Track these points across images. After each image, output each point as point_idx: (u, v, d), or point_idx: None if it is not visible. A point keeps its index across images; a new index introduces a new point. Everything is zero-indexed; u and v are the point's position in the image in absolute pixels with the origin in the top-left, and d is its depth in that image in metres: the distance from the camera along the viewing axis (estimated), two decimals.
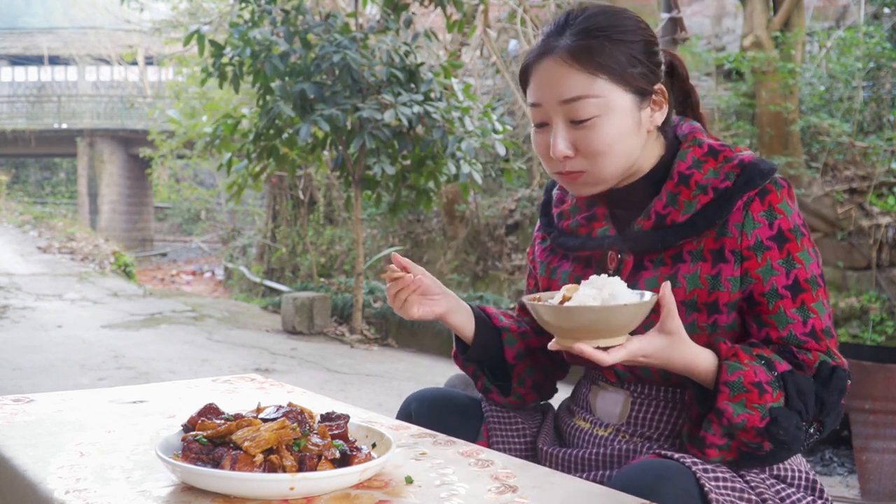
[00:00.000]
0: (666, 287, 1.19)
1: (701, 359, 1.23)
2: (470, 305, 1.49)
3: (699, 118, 1.45)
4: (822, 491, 1.33)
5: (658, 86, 1.34)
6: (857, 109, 7.16)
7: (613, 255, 1.38)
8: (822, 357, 1.26)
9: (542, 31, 1.38)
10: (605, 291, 1.19)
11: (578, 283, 1.41)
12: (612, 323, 1.16)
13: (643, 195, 1.37)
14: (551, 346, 1.22)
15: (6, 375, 5.23)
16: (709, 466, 1.22)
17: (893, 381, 3.47)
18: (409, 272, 1.37)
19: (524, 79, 1.38)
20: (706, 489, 1.18)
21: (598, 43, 1.30)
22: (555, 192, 1.54)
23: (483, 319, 1.49)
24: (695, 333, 1.29)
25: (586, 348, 1.16)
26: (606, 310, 1.15)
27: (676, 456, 1.23)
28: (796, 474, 1.33)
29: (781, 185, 1.30)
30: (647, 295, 1.20)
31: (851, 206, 6.71)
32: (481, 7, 7.79)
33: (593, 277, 1.22)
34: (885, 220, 6.53)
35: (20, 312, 7.94)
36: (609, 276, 1.36)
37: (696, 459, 1.23)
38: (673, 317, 1.20)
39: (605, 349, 1.17)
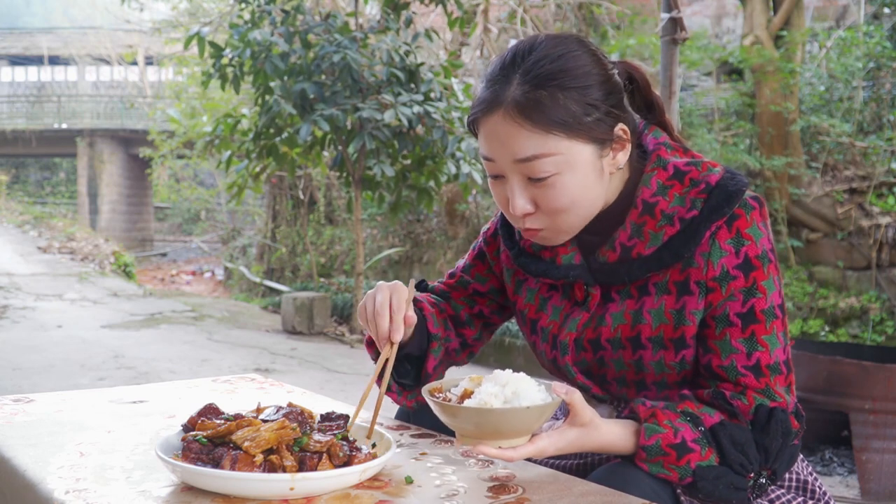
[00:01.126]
0: (571, 391, 1.15)
1: (621, 436, 1.19)
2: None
3: (664, 125, 1.36)
4: (814, 491, 1.32)
5: (619, 127, 1.24)
6: (857, 109, 7.16)
7: (580, 286, 1.32)
8: (759, 401, 1.20)
9: (485, 74, 1.27)
10: (507, 389, 1.13)
11: (544, 305, 1.37)
12: (514, 425, 1.11)
13: (609, 221, 1.30)
14: (455, 444, 1.18)
15: (6, 375, 5.23)
16: None
17: (893, 381, 3.47)
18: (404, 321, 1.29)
19: (472, 128, 1.28)
20: (678, 491, 1.19)
21: (548, 95, 1.19)
22: None
23: (420, 323, 1.40)
24: (663, 372, 1.27)
25: (490, 450, 1.11)
26: (508, 412, 1.10)
27: None
28: (786, 475, 1.32)
29: (752, 206, 1.23)
30: (552, 396, 1.14)
31: (851, 206, 6.71)
32: (482, 6, 7.79)
33: (497, 372, 1.16)
34: (885, 220, 6.53)
35: (20, 312, 7.94)
36: (577, 305, 1.33)
37: None
38: (583, 412, 1.15)
39: (511, 447, 1.13)
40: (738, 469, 1.18)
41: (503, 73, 1.23)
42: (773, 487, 1.29)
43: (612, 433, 1.18)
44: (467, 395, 1.16)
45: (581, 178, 1.22)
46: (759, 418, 1.19)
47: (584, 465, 1.35)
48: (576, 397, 1.15)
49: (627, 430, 1.20)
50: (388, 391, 1.41)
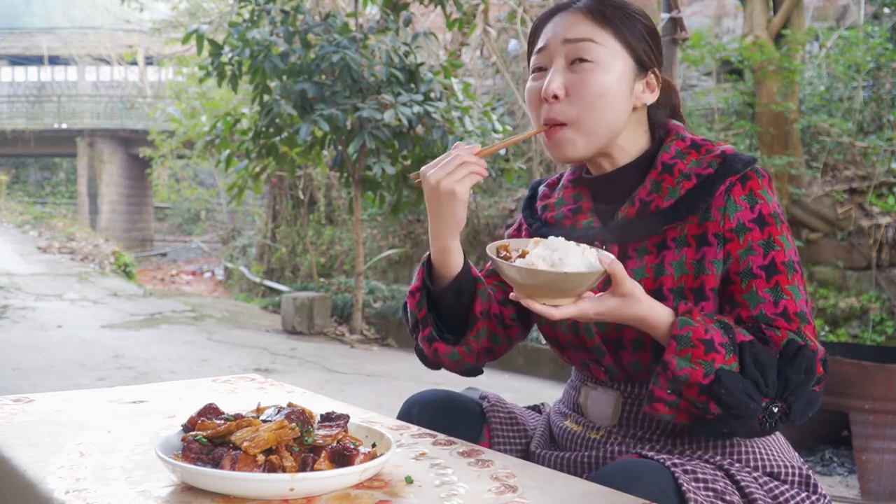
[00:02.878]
0: (614, 262, 1.21)
1: (658, 315, 1.25)
2: None
3: (680, 121, 1.48)
4: (815, 486, 1.32)
5: (654, 70, 1.39)
6: (857, 109, 7.16)
7: (598, 246, 1.38)
8: (791, 336, 1.25)
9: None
10: (555, 255, 1.22)
11: None
12: (558, 286, 1.20)
13: (627, 185, 1.40)
14: (511, 295, 1.26)
15: (6, 375, 5.23)
16: (689, 467, 1.22)
17: (893, 381, 3.47)
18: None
19: (534, 36, 1.42)
20: (684, 489, 1.18)
21: (612, 11, 1.36)
22: (541, 188, 1.57)
23: (466, 264, 1.45)
24: None
25: (535, 305, 1.21)
26: (549, 275, 1.20)
27: (657, 456, 1.23)
28: (790, 470, 1.32)
29: (762, 174, 1.33)
30: (597, 264, 1.23)
31: (851, 206, 6.71)
32: (481, 6, 7.79)
33: (551, 238, 1.26)
34: (885, 220, 6.52)
35: (20, 312, 7.94)
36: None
37: (675, 461, 1.22)
38: (624, 282, 1.22)
39: (555, 306, 1.22)
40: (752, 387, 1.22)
41: None
42: (775, 482, 1.29)
43: (651, 308, 1.25)
44: (523, 255, 1.25)
45: (613, 79, 1.34)
46: (788, 351, 1.24)
47: (595, 457, 1.36)
48: (618, 267, 1.22)
49: (665, 311, 1.26)
50: (433, 342, 1.45)
